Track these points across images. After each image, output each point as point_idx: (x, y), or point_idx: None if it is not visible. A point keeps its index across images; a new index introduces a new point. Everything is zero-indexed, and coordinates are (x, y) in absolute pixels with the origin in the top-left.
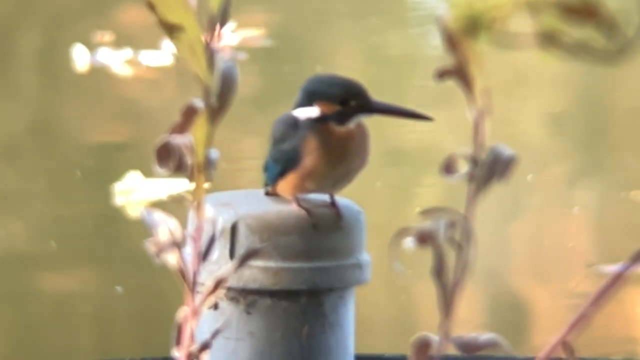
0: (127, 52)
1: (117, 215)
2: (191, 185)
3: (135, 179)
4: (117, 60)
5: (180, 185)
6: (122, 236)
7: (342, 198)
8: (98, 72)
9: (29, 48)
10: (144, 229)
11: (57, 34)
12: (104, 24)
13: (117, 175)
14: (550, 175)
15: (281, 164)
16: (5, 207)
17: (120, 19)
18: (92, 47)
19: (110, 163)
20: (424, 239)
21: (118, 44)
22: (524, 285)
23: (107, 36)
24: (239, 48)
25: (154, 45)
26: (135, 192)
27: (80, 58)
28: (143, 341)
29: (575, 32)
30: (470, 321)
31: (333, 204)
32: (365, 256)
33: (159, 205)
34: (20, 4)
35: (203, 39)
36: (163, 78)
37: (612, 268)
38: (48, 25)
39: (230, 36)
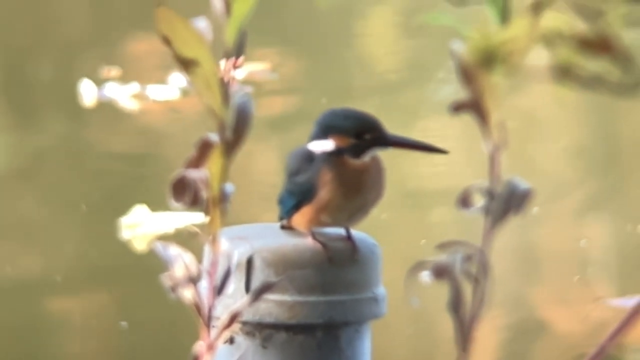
0: (134, 87)
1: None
2: (203, 219)
3: (141, 213)
4: (124, 95)
5: (187, 218)
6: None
7: (357, 231)
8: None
9: (43, 77)
10: (156, 263)
11: (70, 63)
12: (115, 53)
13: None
14: (558, 209)
15: (296, 197)
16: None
17: (131, 48)
18: (101, 79)
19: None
20: (441, 272)
21: (127, 75)
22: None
23: (114, 71)
24: (245, 82)
25: (164, 74)
26: (142, 225)
27: (87, 92)
28: None
29: (591, 65)
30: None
31: (349, 237)
32: (382, 290)
33: (171, 238)
34: (34, 33)
35: (218, 73)
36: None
37: (620, 301)
38: (60, 55)
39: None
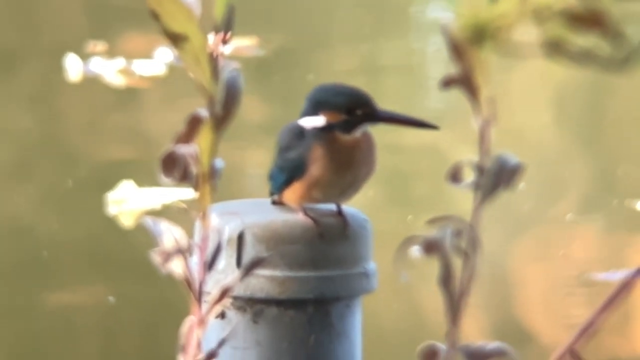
0: (119, 62)
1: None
2: (190, 195)
3: (128, 189)
4: (110, 70)
5: (174, 194)
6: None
7: (349, 207)
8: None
9: (34, 74)
10: (145, 238)
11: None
12: (108, 50)
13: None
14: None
15: (287, 172)
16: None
17: (123, 47)
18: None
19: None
20: (431, 247)
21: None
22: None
23: (100, 46)
24: (232, 58)
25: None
26: (128, 201)
27: (73, 67)
28: (148, 351)
29: (581, 40)
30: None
31: (340, 213)
32: (372, 265)
33: (159, 214)
34: (24, 32)
35: (207, 48)
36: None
37: (605, 275)
38: (51, 53)
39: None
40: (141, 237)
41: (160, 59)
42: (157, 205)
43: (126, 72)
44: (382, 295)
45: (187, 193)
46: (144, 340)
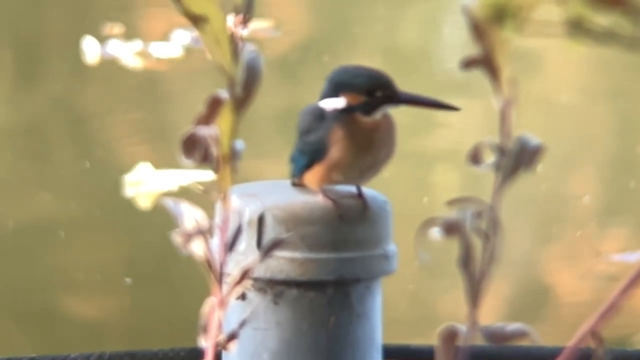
0: (137, 44)
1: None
2: (208, 177)
3: (145, 170)
4: (127, 52)
5: (191, 176)
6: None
7: (369, 189)
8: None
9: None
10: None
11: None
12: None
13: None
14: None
15: (308, 155)
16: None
17: (143, 26)
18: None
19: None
20: (451, 229)
21: (135, 31)
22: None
23: (117, 28)
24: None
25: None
26: (145, 183)
27: (90, 50)
28: (169, 332)
29: (603, 19)
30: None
31: (360, 194)
32: (392, 247)
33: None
34: (43, 17)
35: (227, 29)
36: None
37: (622, 256)
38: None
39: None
40: (156, 216)
41: (178, 41)
42: (174, 187)
43: (144, 54)
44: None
45: (203, 175)
46: (164, 320)
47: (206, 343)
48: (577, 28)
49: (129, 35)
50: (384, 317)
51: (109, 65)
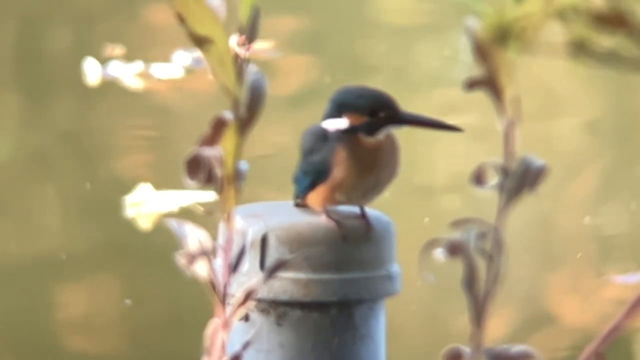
0: (138, 65)
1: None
2: (209, 197)
3: (145, 191)
4: (128, 74)
5: (192, 197)
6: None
7: (372, 209)
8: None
9: (60, 46)
10: (161, 241)
11: (86, 33)
12: (130, 25)
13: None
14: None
15: (311, 176)
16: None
17: (149, 19)
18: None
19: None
20: (455, 250)
21: (137, 51)
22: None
23: (118, 49)
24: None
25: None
26: (146, 204)
27: (91, 71)
28: (169, 353)
29: (606, 40)
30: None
31: (363, 215)
32: (396, 267)
33: (178, 217)
34: (49, 2)
35: (232, 51)
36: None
37: (624, 278)
38: (77, 24)
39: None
40: (159, 238)
41: (179, 62)
42: (174, 208)
43: (145, 75)
44: (402, 297)
45: (205, 196)
46: (164, 341)
47: None
48: (580, 49)
49: (130, 57)
50: (387, 337)
51: (116, 87)
